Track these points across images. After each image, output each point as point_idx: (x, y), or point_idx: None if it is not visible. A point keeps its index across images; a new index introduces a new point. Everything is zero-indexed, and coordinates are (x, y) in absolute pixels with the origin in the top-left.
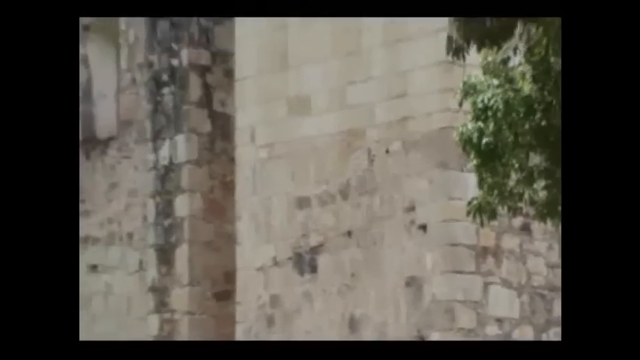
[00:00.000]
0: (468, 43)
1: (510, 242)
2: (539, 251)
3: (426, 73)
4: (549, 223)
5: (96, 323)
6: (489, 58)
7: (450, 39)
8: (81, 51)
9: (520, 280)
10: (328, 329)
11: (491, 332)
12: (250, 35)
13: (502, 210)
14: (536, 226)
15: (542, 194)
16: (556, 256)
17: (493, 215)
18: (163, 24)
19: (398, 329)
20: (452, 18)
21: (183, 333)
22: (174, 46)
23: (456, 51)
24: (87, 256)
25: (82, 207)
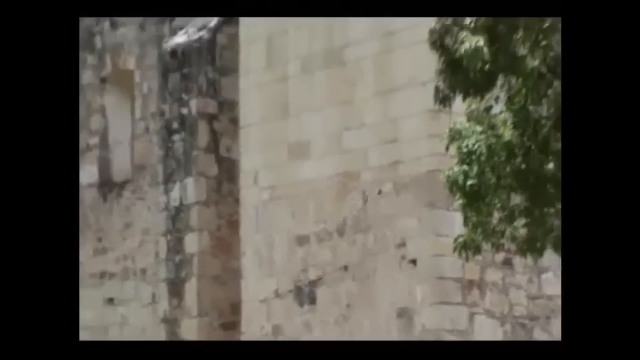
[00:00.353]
0: (454, 93)
1: (493, 275)
2: (520, 284)
3: (415, 121)
4: (529, 258)
5: None
6: (473, 107)
7: (437, 89)
8: (98, 101)
9: (503, 310)
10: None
11: None
12: (254, 86)
13: (486, 246)
14: (517, 260)
15: (522, 231)
16: (536, 288)
17: (477, 251)
18: (174, 76)
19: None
20: (439, 69)
21: None
22: (184, 97)
23: (443, 100)
24: (104, 290)
25: (99, 245)
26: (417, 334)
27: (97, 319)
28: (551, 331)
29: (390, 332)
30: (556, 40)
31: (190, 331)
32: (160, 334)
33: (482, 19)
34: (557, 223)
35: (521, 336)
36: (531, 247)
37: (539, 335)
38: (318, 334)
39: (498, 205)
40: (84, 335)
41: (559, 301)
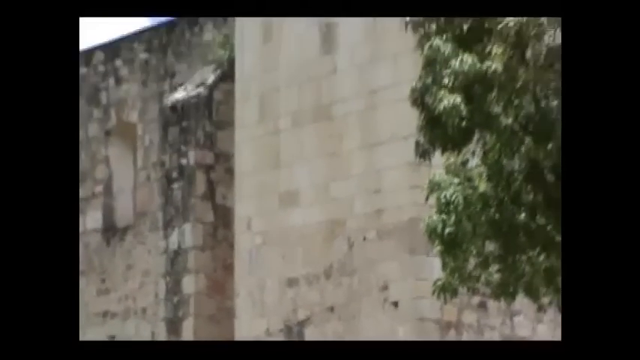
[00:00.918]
0: (433, 147)
1: (470, 317)
2: (495, 325)
3: (398, 172)
4: (502, 301)
5: None
6: (451, 160)
7: (417, 143)
8: (103, 152)
9: None
10: None
11: None
12: (248, 139)
13: (462, 289)
14: (491, 304)
15: (496, 277)
16: (509, 330)
17: (455, 294)
18: (174, 130)
19: None
20: (419, 125)
21: None
22: (183, 148)
23: (423, 153)
24: (106, 328)
25: (102, 286)
26: None
27: None
28: None
29: None
30: (527, 100)
31: None
32: None
33: (460, 79)
34: (528, 269)
35: None
36: (504, 291)
37: None
38: None
39: (474, 252)
40: None
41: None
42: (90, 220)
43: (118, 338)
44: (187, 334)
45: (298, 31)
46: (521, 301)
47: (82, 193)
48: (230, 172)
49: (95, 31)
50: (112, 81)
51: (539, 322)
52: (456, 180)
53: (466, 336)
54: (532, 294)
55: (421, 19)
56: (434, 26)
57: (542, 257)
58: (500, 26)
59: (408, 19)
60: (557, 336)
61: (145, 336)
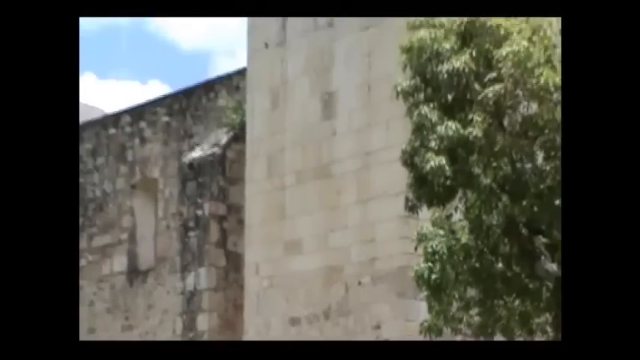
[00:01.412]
0: (421, 203)
1: None
2: None
3: (389, 225)
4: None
5: None
6: (437, 215)
7: (407, 199)
8: (128, 204)
9: None
10: None
11: None
12: (257, 193)
13: (446, 330)
14: None
15: (476, 319)
16: None
17: (439, 334)
18: (191, 184)
19: None
20: (408, 183)
21: None
22: (199, 201)
23: (412, 208)
24: None
25: (126, 322)
26: None
27: None
28: None
29: None
30: (504, 162)
31: None
32: None
33: (445, 143)
34: (504, 313)
35: None
36: (484, 332)
37: None
38: None
39: (457, 297)
40: None
41: None
42: (116, 263)
43: None
44: None
45: (302, 98)
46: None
47: (109, 239)
48: (241, 222)
49: (123, 96)
50: (137, 141)
51: None
52: (441, 232)
53: None
54: (508, 335)
55: (410, 89)
56: (422, 96)
57: (517, 302)
58: (480, 97)
59: (399, 88)
60: None
61: None
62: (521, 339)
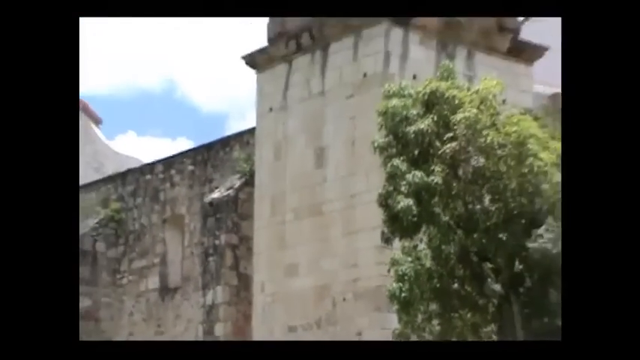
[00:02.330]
0: (394, 236)
1: None
2: None
3: (369, 253)
4: None
5: None
6: (406, 245)
7: (383, 232)
8: (161, 235)
9: None
10: None
11: None
12: (263, 227)
13: (413, 337)
14: None
15: (437, 328)
16: None
17: (408, 338)
18: (211, 219)
19: None
20: (384, 220)
21: None
22: (217, 233)
23: (386, 240)
24: None
25: (158, 329)
26: None
27: None
28: None
29: None
30: (459, 204)
31: None
32: None
33: (412, 188)
34: (459, 324)
35: None
36: (443, 339)
37: None
38: None
39: (421, 310)
40: None
41: None
42: (150, 282)
43: None
44: None
45: (299, 152)
46: None
47: (144, 262)
48: (250, 250)
49: (157, 150)
50: (168, 185)
51: None
52: (409, 259)
53: None
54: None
55: (385, 145)
56: (394, 150)
57: (469, 315)
58: (440, 152)
59: (376, 144)
60: None
61: None
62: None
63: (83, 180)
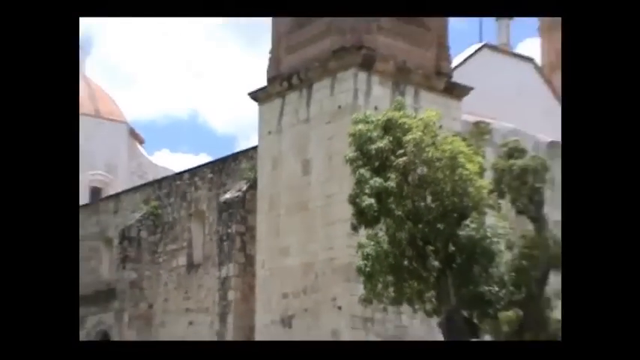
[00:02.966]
0: (360, 225)
1: (378, 315)
2: (391, 319)
3: (342, 239)
4: (395, 307)
5: None
6: (370, 232)
7: (352, 224)
8: (187, 225)
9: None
10: None
11: None
12: (263, 220)
13: (375, 301)
14: (389, 309)
15: (392, 294)
16: (398, 322)
17: (370, 302)
18: (225, 214)
19: None
20: (353, 214)
21: None
22: (229, 224)
23: (355, 229)
24: (188, 316)
25: (185, 295)
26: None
27: (183, 331)
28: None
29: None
30: (409, 202)
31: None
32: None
33: (373, 190)
34: (408, 291)
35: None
36: (395, 302)
37: None
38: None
39: (380, 281)
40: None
41: (405, 329)
42: (180, 260)
43: (193, 322)
44: (230, 320)
45: (290, 163)
46: (405, 308)
47: (175, 246)
48: (253, 237)
49: (184, 162)
50: (193, 188)
51: (413, 319)
52: (372, 243)
53: (376, 325)
54: (410, 304)
55: (354, 158)
56: (360, 162)
57: (416, 284)
58: (394, 164)
59: (347, 158)
60: (425, 327)
61: (207, 320)
62: (417, 306)
63: (130, 185)
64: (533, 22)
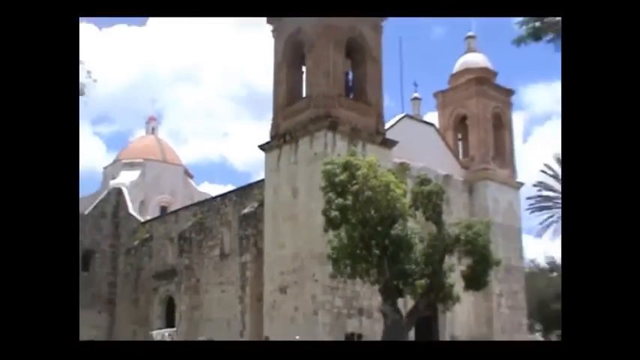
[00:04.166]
0: (329, 228)
1: (342, 286)
2: (351, 288)
3: (318, 237)
4: (355, 281)
5: None
6: (335, 232)
7: (324, 228)
8: (220, 229)
9: (347, 300)
10: None
11: None
12: (269, 226)
13: (341, 277)
14: (348, 283)
15: (349, 272)
16: (356, 295)
17: (336, 277)
18: (243, 222)
19: None
20: (325, 220)
21: None
22: (246, 228)
23: (326, 230)
24: (220, 287)
25: (220, 275)
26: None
27: (218, 295)
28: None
29: (310, 309)
30: (362, 212)
31: (249, 302)
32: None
33: (337, 205)
34: (360, 269)
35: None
36: (352, 277)
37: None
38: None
39: (343, 263)
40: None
41: (364, 300)
42: (215, 252)
43: (225, 290)
44: (247, 289)
45: (285, 191)
46: (357, 280)
47: (212, 243)
48: (262, 237)
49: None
50: (223, 206)
51: (362, 287)
52: (337, 240)
53: (340, 292)
54: (361, 277)
55: (325, 188)
56: (329, 189)
57: (364, 265)
58: (351, 189)
59: (320, 186)
60: (370, 292)
61: (232, 289)
62: (373, 279)
63: (185, 205)
64: (433, 101)
